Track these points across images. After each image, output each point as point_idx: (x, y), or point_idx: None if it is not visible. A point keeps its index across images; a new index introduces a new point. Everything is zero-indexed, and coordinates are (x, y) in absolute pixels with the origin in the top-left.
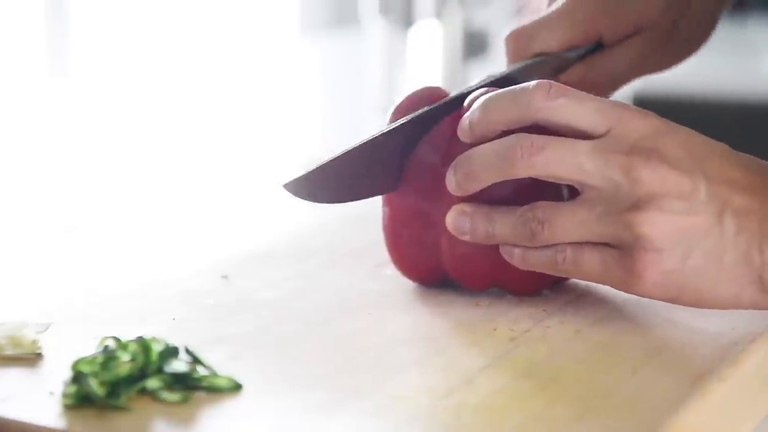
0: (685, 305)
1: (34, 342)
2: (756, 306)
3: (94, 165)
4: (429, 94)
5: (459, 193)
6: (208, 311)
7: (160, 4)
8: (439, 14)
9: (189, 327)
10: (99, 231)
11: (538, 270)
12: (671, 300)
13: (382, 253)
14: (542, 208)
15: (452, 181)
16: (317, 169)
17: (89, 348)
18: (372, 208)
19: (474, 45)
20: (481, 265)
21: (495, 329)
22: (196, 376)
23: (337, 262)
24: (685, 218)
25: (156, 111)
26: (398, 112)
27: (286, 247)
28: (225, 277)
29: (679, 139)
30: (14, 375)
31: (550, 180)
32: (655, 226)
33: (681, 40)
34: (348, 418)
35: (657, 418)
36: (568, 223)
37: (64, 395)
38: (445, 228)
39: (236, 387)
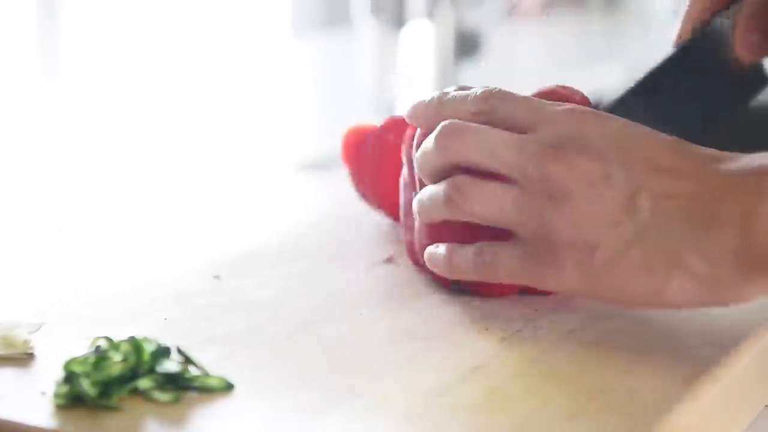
0: (605, 301)
1: (26, 342)
2: (686, 302)
3: (86, 165)
4: None
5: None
6: (200, 311)
7: (152, 5)
8: (431, 14)
9: (181, 327)
10: (91, 231)
11: (464, 276)
12: (589, 294)
13: (375, 253)
14: (464, 180)
15: (416, 209)
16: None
17: (81, 348)
18: (365, 209)
19: (466, 45)
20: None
21: (487, 329)
22: (187, 376)
23: (329, 262)
24: (593, 206)
25: (148, 111)
26: None
27: (279, 247)
28: (217, 277)
29: (602, 130)
30: (6, 375)
31: (466, 165)
32: (564, 217)
33: None
34: (340, 418)
35: (649, 418)
36: (485, 196)
37: (56, 395)
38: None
39: (228, 387)
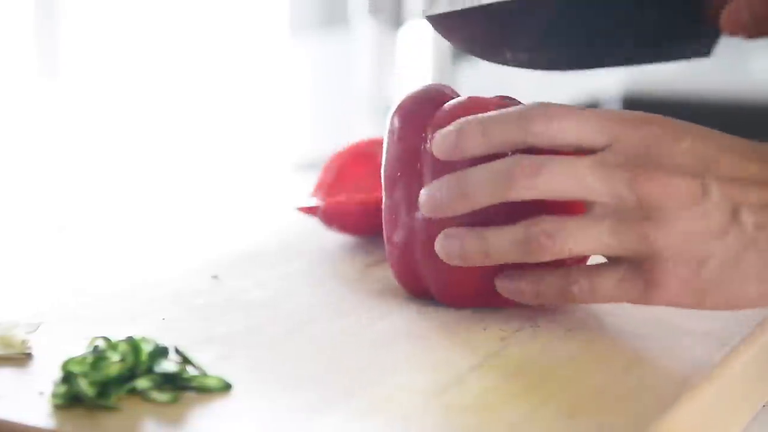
0: (713, 309)
1: (24, 342)
2: None
3: (85, 166)
4: (435, 93)
5: (441, 214)
6: (198, 311)
7: (150, 5)
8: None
9: (179, 327)
10: (89, 231)
11: (552, 303)
12: (697, 306)
13: (372, 254)
14: (549, 221)
15: (435, 201)
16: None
17: (79, 348)
18: None
19: None
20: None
21: (485, 328)
22: (185, 376)
23: (327, 262)
24: (697, 223)
25: (146, 112)
26: (401, 111)
27: (277, 248)
28: (215, 277)
29: (685, 145)
30: (4, 375)
31: (553, 198)
32: (670, 235)
33: None
34: (338, 418)
35: (647, 418)
36: (578, 235)
37: (54, 395)
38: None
39: (226, 387)
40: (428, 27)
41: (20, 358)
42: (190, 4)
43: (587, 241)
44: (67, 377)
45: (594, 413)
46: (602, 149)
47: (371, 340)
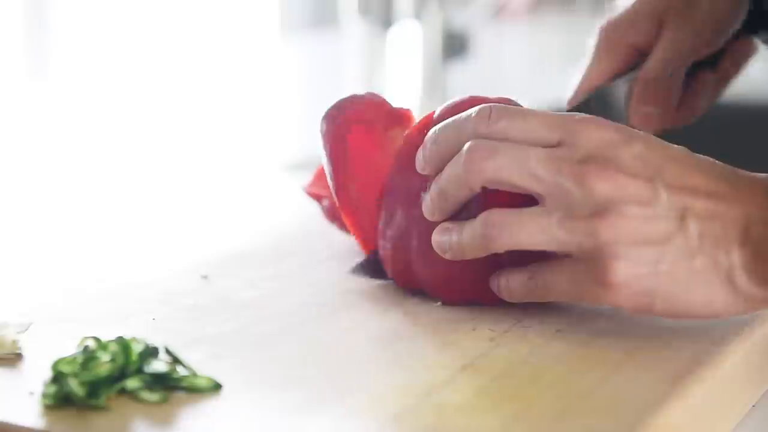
0: (660, 315)
1: (14, 342)
2: (729, 311)
3: (74, 166)
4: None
5: (435, 216)
6: (188, 311)
7: (140, 6)
8: (418, 15)
9: (169, 327)
10: (79, 231)
11: (520, 300)
12: (646, 308)
13: (363, 254)
14: (500, 213)
15: (427, 204)
16: None
17: (69, 348)
18: None
19: (454, 46)
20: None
21: (474, 329)
22: (176, 376)
23: (317, 262)
24: (647, 224)
25: (136, 112)
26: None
27: (267, 248)
28: (205, 277)
29: (636, 149)
30: None
31: (503, 188)
32: (619, 231)
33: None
34: (328, 419)
35: (637, 418)
36: (529, 226)
37: (44, 395)
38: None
39: (216, 387)
40: (418, 27)
41: (10, 359)
42: (180, 5)
43: (537, 233)
44: (57, 377)
45: (583, 414)
46: (555, 147)
47: (361, 341)
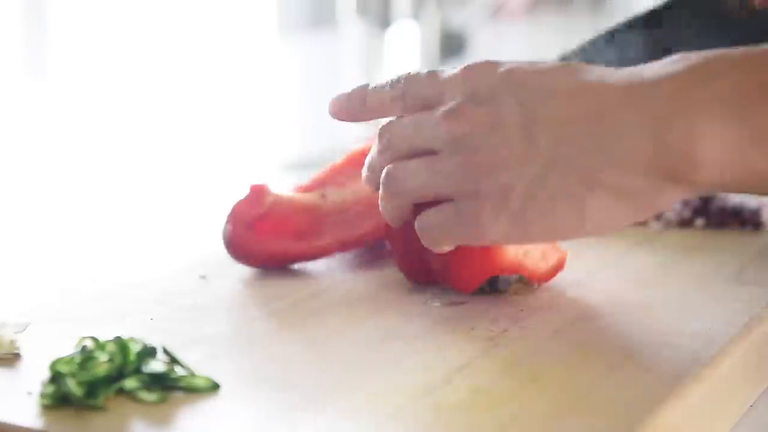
0: (543, 241)
1: (12, 342)
2: (609, 219)
3: (73, 166)
4: None
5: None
6: (186, 311)
7: (138, 6)
8: (416, 15)
9: (167, 327)
10: (77, 231)
11: (432, 246)
12: (526, 238)
13: (360, 254)
14: (390, 167)
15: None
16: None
17: (67, 348)
18: None
19: (451, 45)
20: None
21: (473, 329)
22: (173, 376)
23: (314, 262)
24: (497, 152)
25: (135, 112)
26: None
27: None
28: (203, 277)
29: (490, 78)
30: None
31: (406, 155)
32: (477, 169)
33: None
34: (326, 418)
35: (635, 418)
36: (413, 173)
37: (42, 395)
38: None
39: (214, 387)
40: (415, 27)
41: (8, 358)
42: (179, 5)
43: (420, 178)
44: (56, 377)
45: (582, 414)
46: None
47: (359, 341)
